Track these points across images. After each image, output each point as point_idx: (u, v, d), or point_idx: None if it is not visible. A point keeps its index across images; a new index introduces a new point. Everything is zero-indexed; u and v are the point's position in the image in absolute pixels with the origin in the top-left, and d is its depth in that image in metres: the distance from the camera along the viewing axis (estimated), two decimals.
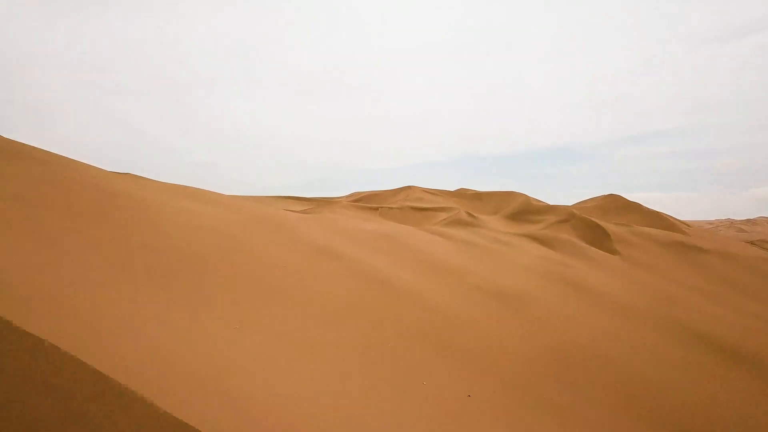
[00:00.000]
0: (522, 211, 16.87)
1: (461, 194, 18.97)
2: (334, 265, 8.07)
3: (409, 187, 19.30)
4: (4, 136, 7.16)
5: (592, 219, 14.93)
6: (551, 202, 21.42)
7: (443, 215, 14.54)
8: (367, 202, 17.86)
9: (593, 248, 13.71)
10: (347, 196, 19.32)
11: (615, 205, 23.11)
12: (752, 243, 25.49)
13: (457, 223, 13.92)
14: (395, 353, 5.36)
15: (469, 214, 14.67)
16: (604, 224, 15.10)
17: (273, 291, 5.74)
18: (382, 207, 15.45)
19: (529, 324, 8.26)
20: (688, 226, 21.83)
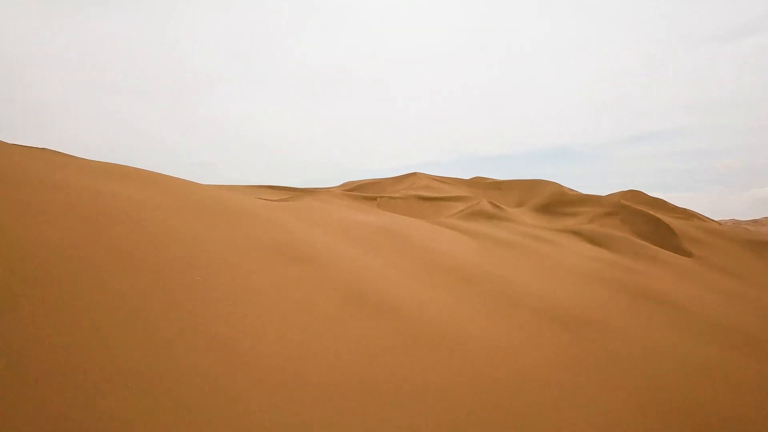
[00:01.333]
0: (554, 201, 13.76)
1: (476, 183, 15.85)
2: (298, 273, 5.00)
3: (414, 174, 16.14)
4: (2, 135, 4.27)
5: (650, 212, 11.78)
6: None
7: (459, 206, 11.52)
8: (364, 192, 14.75)
9: (660, 249, 10.62)
10: (340, 186, 16.22)
11: (638, 201, 19.99)
12: None
13: (479, 215, 10.84)
14: None
15: (494, 205, 11.61)
16: (667, 218, 11.96)
17: (178, 321, 2.72)
18: (381, 197, 12.41)
19: (607, 362, 5.18)
20: (720, 224, 18.71)
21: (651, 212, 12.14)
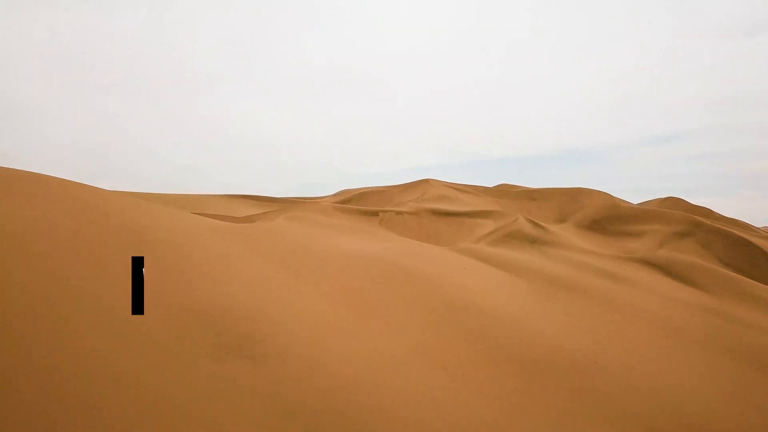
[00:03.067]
0: (606, 216, 10.94)
1: (503, 192, 13.00)
2: (225, 385, 2.15)
3: (425, 181, 13.32)
4: None
5: (741, 234, 8.99)
6: None
7: (488, 224, 8.76)
8: (362, 203, 11.94)
9: (755, 282, 7.86)
10: (335, 195, 13.38)
11: (680, 210, 17.17)
12: None
13: (516, 237, 8.09)
14: None
15: (533, 223, 8.85)
16: (754, 239, 9.16)
17: None
18: (385, 211, 9.68)
19: None
20: None
21: (737, 232, 9.32)
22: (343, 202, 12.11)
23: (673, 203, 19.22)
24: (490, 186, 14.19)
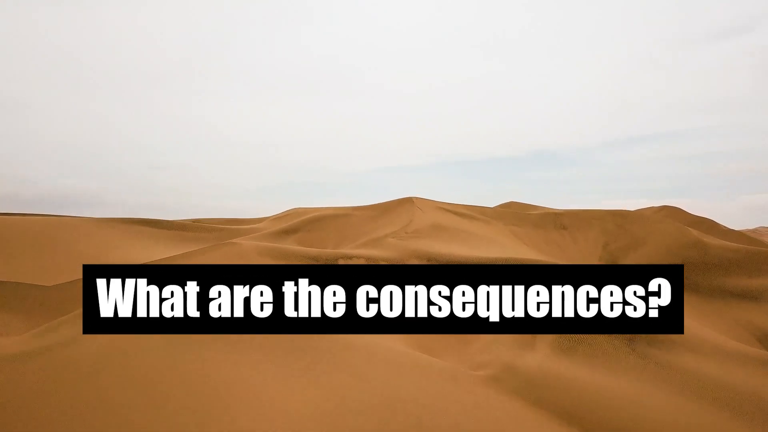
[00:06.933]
0: (691, 262, 7.19)
1: (517, 216, 9.02)
2: None
3: (409, 201, 9.25)
4: None
5: None
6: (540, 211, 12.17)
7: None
8: (314, 234, 7.85)
9: None
10: (276, 219, 9.08)
11: (681, 220, 14.06)
12: None
13: (636, 339, 4.30)
14: None
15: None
16: None
17: None
18: (347, 256, 5.73)
19: None
20: None
21: None
22: (286, 231, 7.98)
23: (672, 212, 16.07)
24: (495, 205, 10.38)
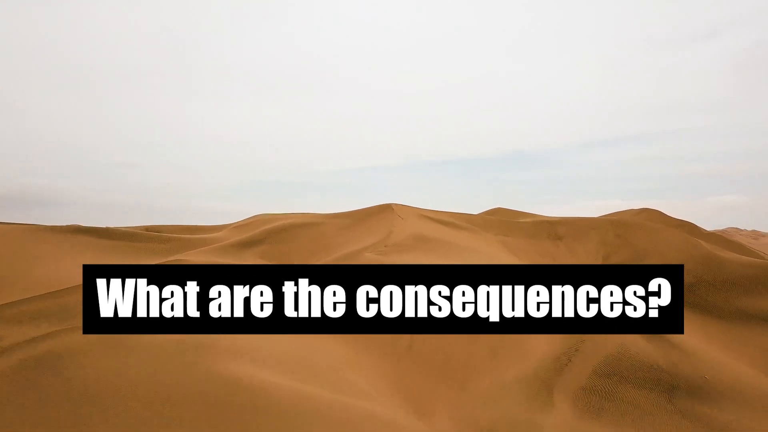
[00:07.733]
0: (703, 280, 7.05)
1: (506, 224, 8.84)
2: None
3: (388, 208, 9.14)
4: None
5: None
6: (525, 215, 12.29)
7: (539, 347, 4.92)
8: (281, 248, 7.56)
9: None
10: (237, 227, 8.61)
11: (663, 222, 14.57)
12: None
13: (624, 380, 4.37)
14: None
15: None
16: None
17: None
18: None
19: None
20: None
21: None
22: (246, 243, 7.55)
23: (651, 215, 16.40)
24: (480, 212, 10.37)
